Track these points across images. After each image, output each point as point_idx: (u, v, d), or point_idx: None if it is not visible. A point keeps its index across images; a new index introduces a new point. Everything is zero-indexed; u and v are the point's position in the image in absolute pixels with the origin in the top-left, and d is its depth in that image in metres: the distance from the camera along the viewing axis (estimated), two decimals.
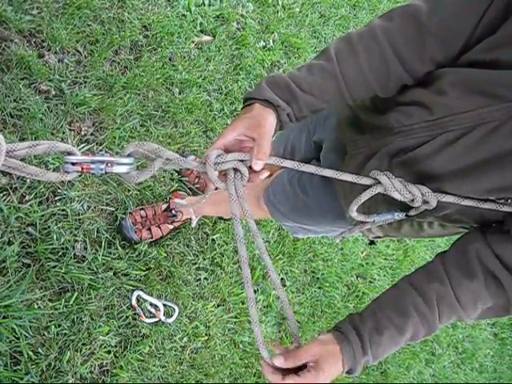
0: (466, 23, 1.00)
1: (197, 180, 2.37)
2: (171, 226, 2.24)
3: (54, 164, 1.97)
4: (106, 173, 0.89)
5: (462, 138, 1.00)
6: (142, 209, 2.19)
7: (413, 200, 1.08)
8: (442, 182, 1.07)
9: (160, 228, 2.20)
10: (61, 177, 0.85)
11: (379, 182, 1.07)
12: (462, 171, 1.03)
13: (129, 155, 0.92)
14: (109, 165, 0.89)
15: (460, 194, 1.06)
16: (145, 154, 0.94)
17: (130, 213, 2.15)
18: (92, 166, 0.87)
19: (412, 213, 1.14)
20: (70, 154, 0.86)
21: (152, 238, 2.18)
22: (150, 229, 2.17)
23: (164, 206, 2.23)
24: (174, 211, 2.20)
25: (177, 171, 2.35)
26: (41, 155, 1.90)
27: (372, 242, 1.60)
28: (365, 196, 1.08)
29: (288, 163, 1.05)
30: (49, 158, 1.96)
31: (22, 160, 0.81)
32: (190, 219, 2.28)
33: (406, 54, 1.07)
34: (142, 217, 2.16)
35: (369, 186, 1.09)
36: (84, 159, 0.86)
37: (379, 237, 1.51)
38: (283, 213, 1.70)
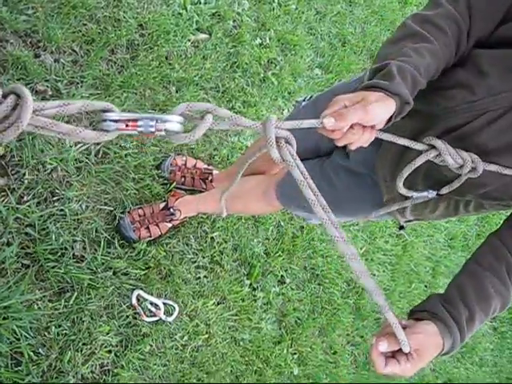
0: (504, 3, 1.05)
1: (183, 179, 2.36)
2: (169, 225, 2.24)
3: (51, 164, 1.97)
4: (155, 131, 0.79)
5: (502, 116, 1.05)
6: (140, 208, 2.19)
7: (461, 166, 1.10)
8: (489, 157, 1.10)
9: (158, 227, 2.20)
10: (100, 136, 0.76)
11: (433, 147, 1.10)
12: (507, 147, 1.08)
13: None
14: (158, 121, 0.79)
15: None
16: (195, 116, 0.85)
17: (128, 212, 2.15)
18: (140, 122, 0.78)
19: (444, 191, 1.17)
20: (107, 111, 0.77)
21: (150, 236, 2.18)
22: (148, 227, 2.17)
23: (162, 205, 2.23)
24: (171, 210, 2.20)
25: (163, 177, 2.33)
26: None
27: (402, 227, 1.61)
28: (420, 160, 1.11)
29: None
30: (46, 158, 1.95)
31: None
32: (188, 217, 2.29)
33: (467, 25, 1.10)
34: (140, 216, 2.16)
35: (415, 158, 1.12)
36: (129, 115, 0.77)
37: (410, 221, 1.53)
38: (302, 207, 1.68)
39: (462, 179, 1.15)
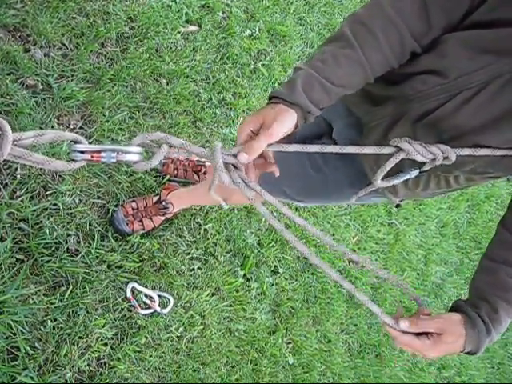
0: None
1: (176, 172, 2.37)
2: (163, 218, 2.25)
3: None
4: (116, 161, 0.87)
5: (477, 94, 1.06)
6: (134, 201, 2.20)
7: (434, 159, 1.12)
8: (467, 137, 1.12)
9: (152, 220, 2.20)
10: (68, 165, 0.84)
11: (401, 149, 1.11)
12: (484, 125, 1.08)
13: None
14: (119, 153, 0.87)
15: (492, 146, 1.11)
16: (151, 144, 0.94)
17: (122, 205, 2.16)
18: (103, 154, 0.86)
19: (426, 167, 1.17)
20: (76, 142, 0.85)
21: (144, 229, 2.18)
22: (141, 221, 2.18)
23: (155, 199, 2.23)
24: (164, 203, 2.20)
25: (156, 169, 2.34)
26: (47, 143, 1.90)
27: (398, 205, 1.63)
28: (389, 164, 1.12)
29: (296, 147, 1.07)
30: (38, 153, 1.95)
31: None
32: (182, 210, 2.30)
33: (415, 26, 1.09)
34: (133, 209, 2.17)
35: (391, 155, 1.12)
36: (94, 147, 0.85)
37: (402, 200, 1.57)
38: (288, 194, 1.69)
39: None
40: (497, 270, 1.19)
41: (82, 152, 0.85)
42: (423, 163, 1.16)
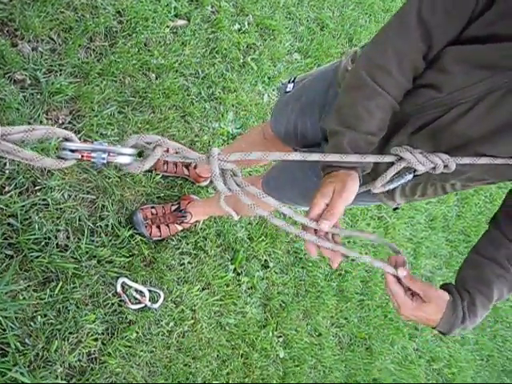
0: (466, 7, 1.05)
1: (165, 166, 2.38)
2: (180, 227, 2.31)
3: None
4: (107, 162, 0.85)
5: (472, 108, 1.07)
6: (153, 207, 2.26)
7: (434, 168, 1.13)
8: (467, 147, 1.13)
9: (168, 227, 2.26)
10: (58, 163, 0.81)
11: (401, 158, 1.12)
12: (484, 136, 1.10)
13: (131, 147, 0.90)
14: (111, 154, 0.85)
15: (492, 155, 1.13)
16: (145, 146, 0.91)
17: (142, 208, 2.21)
18: (93, 154, 0.83)
19: (419, 172, 1.18)
20: (67, 140, 0.83)
21: (160, 236, 2.25)
22: (159, 226, 2.23)
23: (174, 207, 2.30)
24: (183, 212, 2.26)
25: None
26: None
27: (396, 209, 1.66)
28: (390, 173, 1.14)
29: (296, 156, 1.07)
30: (27, 148, 1.94)
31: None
32: (199, 221, 2.39)
33: (423, 49, 1.12)
34: (152, 214, 2.23)
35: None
36: (85, 147, 0.83)
37: (399, 204, 1.60)
38: (289, 197, 1.74)
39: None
40: (483, 265, 1.22)
41: (73, 151, 0.83)
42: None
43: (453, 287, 1.20)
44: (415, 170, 1.19)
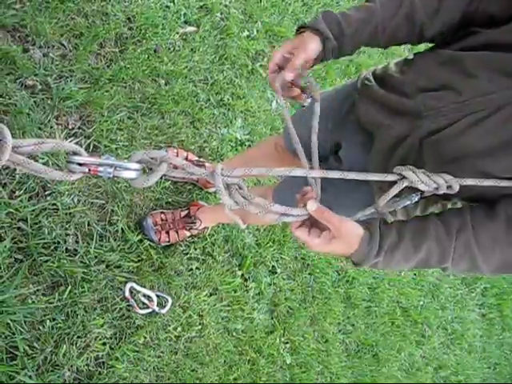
0: None
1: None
2: (188, 234, 2.32)
3: (42, 158, 1.97)
4: (113, 177, 0.87)
5: (489, 117, 1.05)
6: (163, 213, 2.27)
7: (437, 188, 1.11)
8: (468, 161, 1.11)
9: (177, 233, 2.27)
10: (66, 176, 0.84)
11: (404, 177, 1.11)
12: (491, 148, 1.07)
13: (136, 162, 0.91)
14: (117, 169, 0.87)
15: (493, 173, 1.10)
16: (151, 162, 0.93)
17: (151, 214, 2.22)
18: (100, 168, 0.85)
19: (426, 194, 1.18)
20: (75, 153, 0.85)
21: (169, 241, 2.25)
22: (168, 232, 2.24)
23: (184, 213, 2.31)
24: (193, 218, 2.27)
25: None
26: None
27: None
28: (393, 191, 1.12)
29: (300, 171, 1.08)
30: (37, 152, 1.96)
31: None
32: (208, 228, 2.40)
33: (428, 3, 1.22)
34: (162, 220, 2.24)
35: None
36: (92, 161, 0.85)
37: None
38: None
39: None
40: (430, 220, 1.16)
41: (81, 164, 0.85)
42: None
43: (377, 223, 1.15)
44: (422, 192, 1.19)
